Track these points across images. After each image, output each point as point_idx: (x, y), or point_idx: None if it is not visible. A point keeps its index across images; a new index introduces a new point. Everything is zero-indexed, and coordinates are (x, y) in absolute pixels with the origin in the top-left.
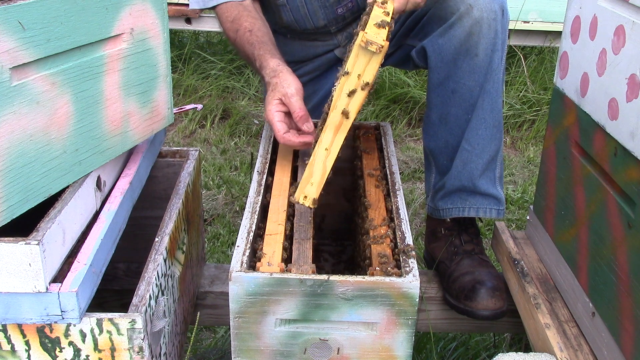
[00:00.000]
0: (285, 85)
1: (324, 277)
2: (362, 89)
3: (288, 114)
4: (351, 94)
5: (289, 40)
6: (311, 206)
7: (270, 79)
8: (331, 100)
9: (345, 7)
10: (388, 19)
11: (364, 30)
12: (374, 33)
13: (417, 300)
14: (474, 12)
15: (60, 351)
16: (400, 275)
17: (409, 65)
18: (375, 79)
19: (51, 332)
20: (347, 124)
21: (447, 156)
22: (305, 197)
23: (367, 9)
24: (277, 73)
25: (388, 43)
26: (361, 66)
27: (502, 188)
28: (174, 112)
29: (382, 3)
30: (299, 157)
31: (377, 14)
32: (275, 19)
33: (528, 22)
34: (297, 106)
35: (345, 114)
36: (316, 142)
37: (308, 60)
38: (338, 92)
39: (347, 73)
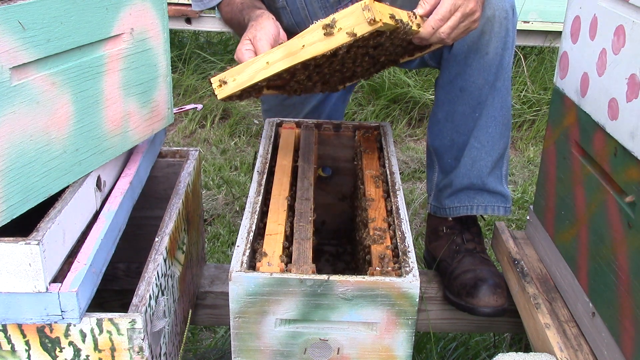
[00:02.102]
0: (259, 29)
1: (324, 277)
2: (333, 36)
3: None
4: (325, 35)
5: None
6: (218, 97)
7: (250, 23)
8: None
9: (346, 6)
10: (399, 19)
11: (380, 2)
12: (380, 9)
13: (417, 300)
14: (486, 11)
15: (60, 351)
16: (400, 275)
17: (413, 64)
18: (346, 43)
19: (51, 332)
20: (300, 57)
21: (452, 154)
22: (221, 85)
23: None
24: (257, 18)
25: (379, 26)
26: (347, 23)
27: (507, 185)
28: (174, 112)
29: (415, 18)
30: (299, 154)
31: (402, 13)
32: None
33: (528, 22)
34: (262, 51)
35: (304, 47)
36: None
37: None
38: (314, 27)
39: (333, 20)
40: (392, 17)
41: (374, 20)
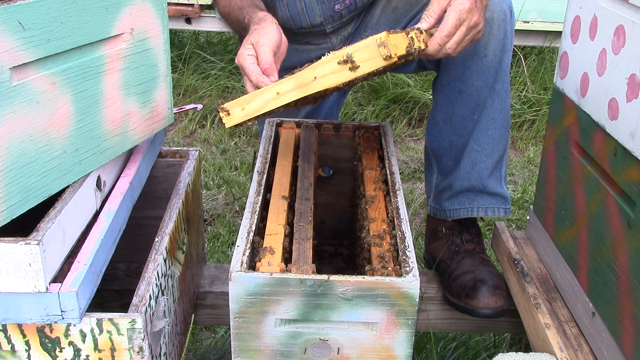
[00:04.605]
0: (262, 33)
1: (324, 277)
2: (347, 70)
3: None
4: (339, 68)
5: None
6: (226, 126)
7: (252, 26)
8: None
9: (343, 3)
10: (415, 49)
11: (393, 34)
12: (395, 42)
13: (417, 300)
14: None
15: (60, 351)
16: (400, 275)
17: (410, 68)
18: (360, 77)
19: (51, 332)
20: (312, 89)
21: (451, 156)
22: (229, 114)
23: (409, 28)
24: (260, 21)
25: (394, 62)
26: (362, 57)
27: (506, 186)
28: (174, 112)
29: (422, 34)
30: (299, 154)
31: (414, 38)
32: None
33: (528, 22)
34: (264, 58)
35: (316, 79)
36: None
37: (299, 67)
38: (327, 60)
39: (348, 54)
40: (407, 47)
41: (390, 57)
